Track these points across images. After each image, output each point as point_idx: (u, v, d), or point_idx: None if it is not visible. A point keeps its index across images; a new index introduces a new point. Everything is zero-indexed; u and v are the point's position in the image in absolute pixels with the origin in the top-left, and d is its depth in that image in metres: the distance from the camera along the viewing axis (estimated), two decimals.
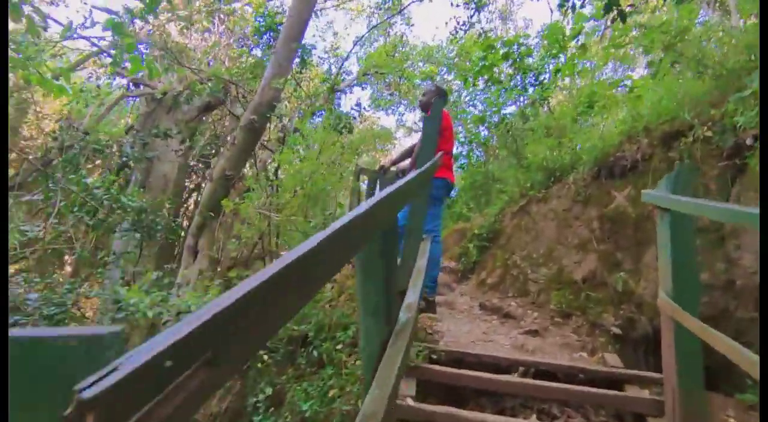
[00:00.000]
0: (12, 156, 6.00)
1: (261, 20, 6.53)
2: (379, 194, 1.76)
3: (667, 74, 6.45)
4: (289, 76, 5.41)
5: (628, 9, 5.76)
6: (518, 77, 8.98)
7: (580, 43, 7.36)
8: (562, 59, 8.27)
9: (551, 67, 8.63)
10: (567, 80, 9.34)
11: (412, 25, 9.97)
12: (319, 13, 8.36)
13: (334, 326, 3.11)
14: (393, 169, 4.74)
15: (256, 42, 6.61)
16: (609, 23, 6.73)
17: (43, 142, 6.34)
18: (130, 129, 6.13)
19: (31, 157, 5.40)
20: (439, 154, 3.76)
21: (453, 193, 10.00)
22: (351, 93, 10.25)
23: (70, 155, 4.73)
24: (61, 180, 3.60)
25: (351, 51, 7.85)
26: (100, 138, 5.54)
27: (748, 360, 1.51)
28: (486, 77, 9.03)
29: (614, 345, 3.57)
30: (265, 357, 2.97)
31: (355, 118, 10.28)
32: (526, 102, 9.39)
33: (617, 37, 6.28)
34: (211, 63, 7.26)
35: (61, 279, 3.62)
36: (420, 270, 2.48)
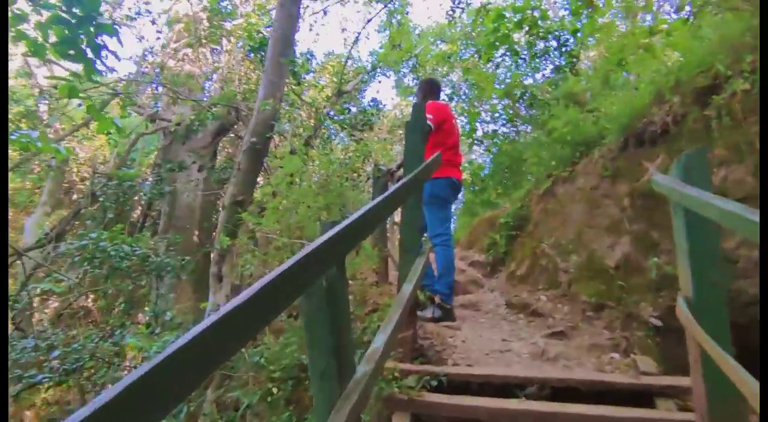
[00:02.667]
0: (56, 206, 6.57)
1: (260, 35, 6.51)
2: (319, 238, 1.62)
3: (706, 15, 5.69)
4: (284, 92, 5.34)
5: None
6: (541, 44, 8.35)
7: None
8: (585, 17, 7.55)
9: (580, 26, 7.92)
10: (594, 40, 8.52)
11: (407, 12, 9.43)
12: (314, 19, 8.19)
13: None
14: (400, 173, 4.54)
15: (257, 60, 6.59)
16: None
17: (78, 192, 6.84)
18: (155, 165, 6.44)
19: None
20: (435, 154, 3.52)
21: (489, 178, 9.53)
22: (367, 88, 10.03)
23: (101, 204, 5.07)
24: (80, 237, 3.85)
25: (350, 50, 7.64)
26: (126, 181, 5.85)
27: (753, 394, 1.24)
28: (506, 47, 8.48)
29: (654, 338, 3.20)
30: (274, 389, 2.95)
31: (378, 110, 10.09)
32: (554, 69, 8.74)
33: None
34: (219, 85, 7.41)
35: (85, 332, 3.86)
36: (402, 297, 2.31)
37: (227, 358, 1.10)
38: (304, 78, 6.99)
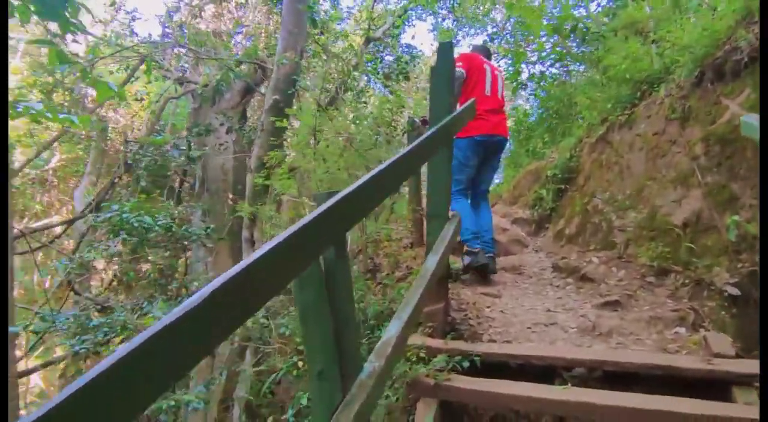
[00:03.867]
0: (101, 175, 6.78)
1: None
2: (319, 208, 1.36)
3: None
4: (306, 43, 4.93)
5: None
6: None
7: None
8: None
9: None
10: None
11: None
12: None
13: (366, 326, 2.84)
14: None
15: (280, 11, 6.09)
16: None
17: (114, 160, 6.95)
18: (188, 129, 6.37)
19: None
20: (468, 102, 3.10)
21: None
22: (403, 33, 9.25)
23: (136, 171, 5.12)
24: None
25: None
26: (156, 147, 5.84)
27: None
28: None
29: (730, 310, 2.75)
30: (300, 362, 2.84)
31: (413, 57, 9.41)
32: None
33: None
34: (245, 42, 7.08)
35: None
36: (425, 273, 2.03)
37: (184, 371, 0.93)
38: (336, 26, 6.45)
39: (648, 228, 3.52)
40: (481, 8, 12.75)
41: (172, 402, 2.94)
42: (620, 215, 3.86)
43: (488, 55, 3.92)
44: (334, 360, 1.37)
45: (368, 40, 6.81)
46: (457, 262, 3.35)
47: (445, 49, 2.74)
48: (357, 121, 4.11)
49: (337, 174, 3.39)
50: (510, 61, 8.51)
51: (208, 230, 4.69)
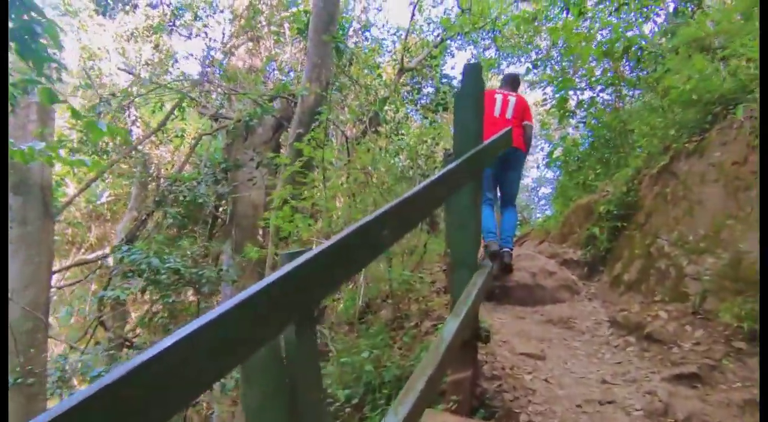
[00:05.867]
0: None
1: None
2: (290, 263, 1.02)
3: None
4: (332, 73, 4.79)
5: None
6: None
7: None
8: None
9: None
10: None
11: None
12: None
13: (380, 395, 2.41)
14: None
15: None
16: None
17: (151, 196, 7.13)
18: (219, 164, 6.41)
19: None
20: (504, 131, 2.79)
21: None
22: (444, 63, 9.00)
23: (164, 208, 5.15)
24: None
25: (411, 18, 6.66)
26: (187, 182, 5.88)
27: None
28: None
29: None
30: None
31: (451, 87, 9.16)
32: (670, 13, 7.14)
33: None
34: (281, 77, 7.17)
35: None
36: (440, 344, 1.62)
37: None
38: (375, 59, 6.33)
39: (731, 278, 2.87)
40: (525, 36, 12.40)
41: None
42: (693, 260, 3.22)
43: (515, 82, 4.26)
44: None
45: (401, 71, 6.62)
46: (486, 321, 2.88)
47: (473, 71, 2.40)
48: (386, 155, 3.84)
49: (353, 213, 3.08)
50: (555, 88, 8.02)
51: (220, 272, 4.52)
